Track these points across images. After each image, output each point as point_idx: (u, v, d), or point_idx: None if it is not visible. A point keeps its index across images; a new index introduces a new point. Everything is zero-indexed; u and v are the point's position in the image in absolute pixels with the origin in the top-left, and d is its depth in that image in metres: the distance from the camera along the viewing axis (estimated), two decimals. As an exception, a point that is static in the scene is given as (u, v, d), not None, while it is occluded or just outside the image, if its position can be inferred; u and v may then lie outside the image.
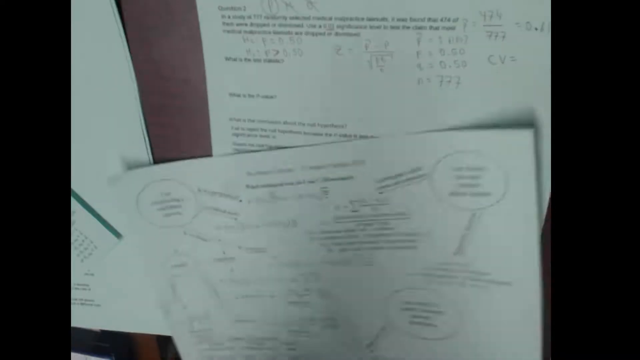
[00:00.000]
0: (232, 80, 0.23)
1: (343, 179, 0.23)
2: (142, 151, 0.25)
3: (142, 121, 0.24)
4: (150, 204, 0.25)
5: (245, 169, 0.24)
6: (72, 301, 0.30)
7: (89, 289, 0.30)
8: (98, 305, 0.30)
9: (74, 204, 0.27)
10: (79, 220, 0.27)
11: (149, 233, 0.26)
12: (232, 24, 0.21)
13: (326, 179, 0.24)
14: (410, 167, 0.22)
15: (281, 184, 0.24)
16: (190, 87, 0.23)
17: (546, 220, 0.22)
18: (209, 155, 0.25)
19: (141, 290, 0.29)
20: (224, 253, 0.27)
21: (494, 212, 0.22)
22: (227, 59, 0.22)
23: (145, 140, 0.25)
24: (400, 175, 0.23)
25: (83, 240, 0.28)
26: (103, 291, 0.30)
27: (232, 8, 0.21)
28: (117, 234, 0.28)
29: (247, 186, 0.24)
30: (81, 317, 0.31)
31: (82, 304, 0.30)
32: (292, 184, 0.24)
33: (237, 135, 0.24)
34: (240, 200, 0.25)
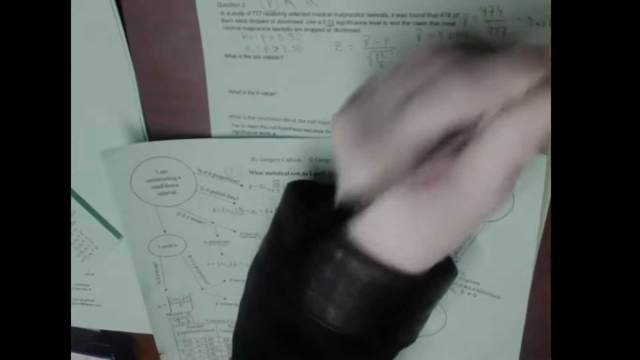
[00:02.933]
0: (231, 77, 0.23)
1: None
2: (143, 151, 0.25)
3: (142, 121, 0.24)
4: (144, 181, 0.25)
5: (250, 154, 0.24)
6: (72, 301, 0.30)
7: (89, 289, 0.30)
8: (98, 305, 0.30)
9: (74, 204, 0.27)
10: (79, 220, 0.27)
11: (138, 211, 0.25)
12: (231, 20, 0.21)
13: (334, 173, 0.23)
14: None
15: (287, 173, 0.24)
16: (190, 87, 0.23)
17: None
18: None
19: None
20: (217, 236, 0.26)
21: (496, 227, 0.22)
22: (227, 55, 0.22)
23: (145, 140, 0.25)
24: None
25: (83, 240, 0.28)
26: (103, 291, 0.30)
27: (231, 5, 0.21)
28: (117, 234, 0.28)
29: (251, 172, 0.24)
30: (81, 317, 0.30)
31: (82, 304, 0.30)
32: (298, 174, 0.24)
33: (237, 132, 0.24)
34: (242, 185, 0.24)
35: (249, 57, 0.22)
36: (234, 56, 0.22)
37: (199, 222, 0.26)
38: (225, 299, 0.28)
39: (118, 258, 0.28)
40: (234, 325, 0.28)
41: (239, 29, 0.21)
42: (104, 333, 0.32)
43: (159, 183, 0.25)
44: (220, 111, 0.24)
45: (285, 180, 0.24)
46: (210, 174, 0.24)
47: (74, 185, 0.27)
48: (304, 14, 0.20)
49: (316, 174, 0.24)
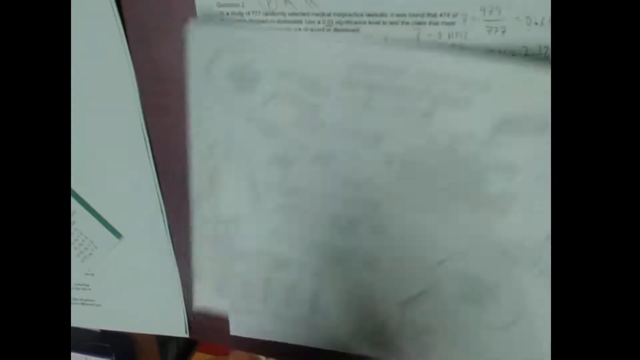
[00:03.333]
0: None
1: (457, 101, 0.19)
2: (142, 151, 0.25)
3: (142, 121, 0.24)
4: (223, 72, 0.21)
5: (349, 59, 0.20)
6: (72, 301, 0.30)
7: (89, 289, 0.30)
8: (98, 305, 0.30)
9: (74, 204, 0.27)
10: (79, 220, 0.27)
11: (209, 107, 0.22)
12: (230, 20, 0.21)
13: (440, 95, 0.20)
14: (542, 110, 0.18)
15: (384, 88, 0.20)
16: (190, 87, 0.23)
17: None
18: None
19: (141, 290, 0.29)
20: (284, 153, 0.22)
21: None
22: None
23: (145, 140, 0.25)
24: (527, 119, 0.18)
25: (83, 240, 0.28)
26: (103, 291, 0.30)
27: (231, 5, 0.21)
28: (117, 234, 0.28)
29: (343, 81, 0.20)
30: (81, 317, 0.30)
31: (82, 304, 0.30)
32: (398, 90, 0.20)
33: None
34: (328, 95, 0.21)
35: (249, 56, 0.22)
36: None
37: (269, 133, 0.22)
38: (275, 229, 0.25)
39: (118, 258, 0.28)
40: (279, 263, 0.25)
41: (238, 29, 0.21)
42: (104, 333, 0.32)
43: (237, 78, 0.22)
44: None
45: (380, 97, 0.20)
46: (297, 76, 0.21)
47: (74, 185, 0.27)
48: (303, 14, 0.20)
49: (419, 91, 0.20)
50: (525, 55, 0.19)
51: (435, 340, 0.24)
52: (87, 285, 0.30)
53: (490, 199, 0.20)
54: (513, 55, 0.20)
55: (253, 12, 0.21)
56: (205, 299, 0.27)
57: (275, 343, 0.29)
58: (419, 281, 0.23)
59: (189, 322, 0.30)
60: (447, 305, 0.23)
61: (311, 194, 0.23)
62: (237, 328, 0.28)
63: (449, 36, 0.20)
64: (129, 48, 0.23)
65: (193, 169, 0.24)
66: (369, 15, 0.20)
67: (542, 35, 0.19)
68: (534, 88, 0.19)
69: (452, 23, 0.19)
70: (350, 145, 0.21)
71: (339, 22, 0.20)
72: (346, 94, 0.21)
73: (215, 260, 0.26)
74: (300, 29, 0.21)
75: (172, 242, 0.28)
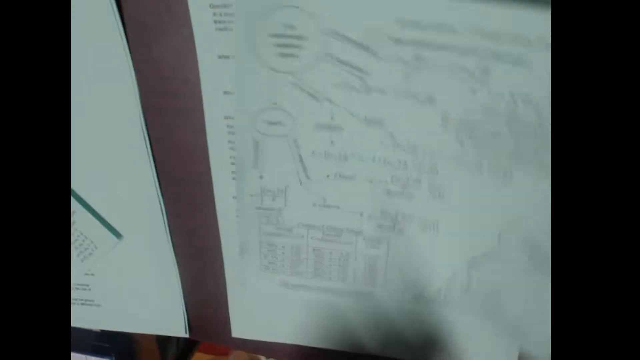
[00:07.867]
0: (226, 78, 0.22)
1: (515, 61, 0.19)
2: (142, 151, 0.25)
3: (142, 121, 0.24)
4: (267, 35, 0.21)
5: (396, 12, 0.19)
6: (72, 301, 0.30)
7: (89, 289, 0.30)
8: (98, 305, 0.30)
9: (74, 204, 0.27)
10: (79, 220, 0.27)
11: (253, 73, 0.21)
12: (223, 21, 0.21)
13: (493, 54, 0.19)
14: None
15: (434, 47, 0.19)
16: (189, 87, 0.23)
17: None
18: (208, 160, 0.25)
19: (141, 290, 0.29)
20: (332, 119, 0.22)
21: None
22: (220, 57, 0.22)
23: (145, 140, 0.25)
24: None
25: (83, 240, 0.28)
26: (103, 291, 0.30)
27: (223, 6, 0.21)
28: (117, 234, 0.28)
29: (391, 39, 0.20)
30: (81, 317, 0.30)
31: (82, 304, 0.30)
32: (448, 49, 0.19)
33: (232, 133, 0.24)
34: (376, 56, 0.20)
35: (244, 57, 0.22)
36: (227, 57, 0.22)
37: (315, 98, 0.22)
38: (324, 199, 0.24)
39: (118, 258, 0.28)
40: (328, 233, 0.24)
41: (231, 30, 0.21)
42: (104, 333, 0.32)
43: (281, 41, 0.21)
44: (215, 112, 0.23)
45: (431, 55, 0.20)
46: (344, 37, 0.20)
47: (74, 185, 0.27)
48: None
49: (471, 52, 0.19)
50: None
51: (501, 298, 0.24)
52: (87, 285, 0.30)
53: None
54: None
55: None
56: (253, 276, 0.26)
57: (276, 343, 0.29)
58: (482, 243, 0.23)
59: (189, 322, 0.30)
60: (507, 261, 0.23)
61: (362, 159, 0.23)
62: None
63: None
64: (129, 48, 0.23)
65: (236, 138, 0.23)
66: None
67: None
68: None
69: None
70: (401, 106, 0.20)
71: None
72: (395, 53, 0.20)
73: (262, 235, 0.25)
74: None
75: (172, 242, 0.28)
